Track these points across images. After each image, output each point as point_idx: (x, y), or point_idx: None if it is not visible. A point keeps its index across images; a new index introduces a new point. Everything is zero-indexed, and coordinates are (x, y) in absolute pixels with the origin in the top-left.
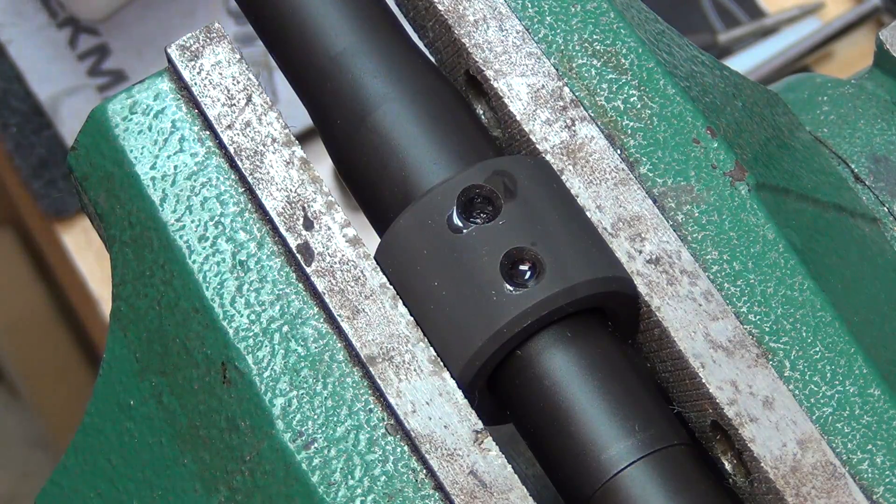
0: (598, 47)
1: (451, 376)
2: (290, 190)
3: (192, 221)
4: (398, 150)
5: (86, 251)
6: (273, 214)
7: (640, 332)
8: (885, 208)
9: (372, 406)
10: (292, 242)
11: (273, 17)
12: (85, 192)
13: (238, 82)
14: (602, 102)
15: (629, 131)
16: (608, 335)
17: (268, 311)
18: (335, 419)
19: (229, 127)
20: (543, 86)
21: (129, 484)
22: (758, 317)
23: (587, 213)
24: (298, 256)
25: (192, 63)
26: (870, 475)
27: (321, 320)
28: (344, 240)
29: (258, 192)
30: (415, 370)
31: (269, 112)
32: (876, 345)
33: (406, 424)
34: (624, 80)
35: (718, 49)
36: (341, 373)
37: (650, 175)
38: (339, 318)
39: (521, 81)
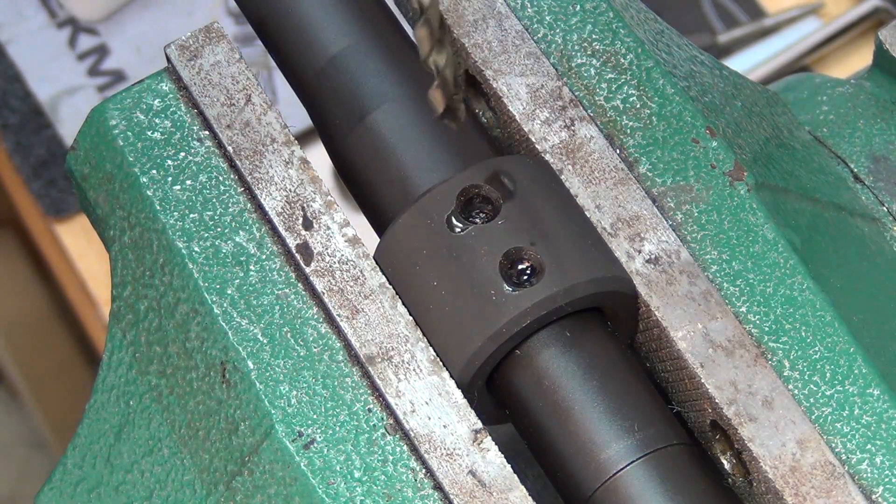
0: (597, 47)
1: (451, 376)
2: (290, 190)
3: (192, 222)
4: (397, 150)
5: (86, 251)
6: (272, 214)
7: (639, 332)
8: (885, 208)
9: (371, 406)
10: (291, 242)
11: (272, 17)
12: (84, 193)
13: (237, 82)
14: (601, 102)
15: (628, 131)
16: (607, 335)
17: (267, 311)
18: (334, 419)
19: (228, 127)
20: (543, 85)
21: (128, 484)
22: (757, 316)
23: (586, 213)
24: (298, 256)
25: (192, 63)
26: (869, 475)
27: (320, 320)
28: (343, 239)
29: (257, 191)
30: (414, 370)
31: (268, 112)
32: (876, 345)
33: (405, 424)
34: (623, 80)
35: (718, 49)
36: (340, 373)
37: (649, 175)
38: (338, 318)
39: (520, 81)
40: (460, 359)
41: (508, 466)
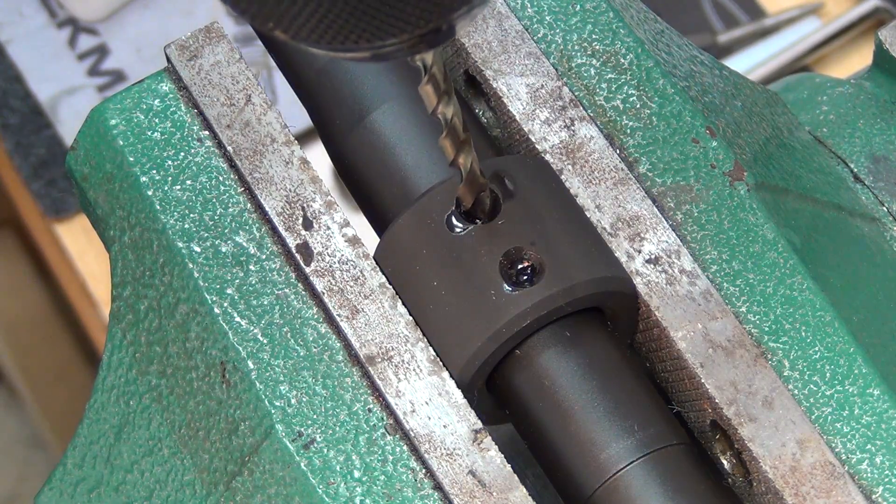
0: (597, 47)
1: (451, 376)
2: (290, 190)
3: (192, 222)
4: (397, 150)
5: (86, 251)
6: (272, 214)
7: (639, 332)
8: (885, 208)
9: (371, 406)
10: (291, 242)
11: None
12: (84, 193)
13: (237, 82)
14: (601, 102)
15: (628, 131)
16: (607, 335)
17: (267, 311)
18: (334, 419)
19: (228, 127)
20: (543, 85)
21: (128, 484)
22: (757, 316)
23: (586, 213)
24: (297, 256)
25: (192, 63)
26: (869, 475)
27: (320, 320)
28: (343, 239)
29: (257, 192)
30: (414, 370)
31: (268, 112)
32: (876, 345)
33: (405, 424)
34: (623, 80)
35: (718, 49)
36: (340, 373)
37: (649, 175)
38: (338, 318)
39: (520, 81)
40: (460, 359)
41: (508, 466)
